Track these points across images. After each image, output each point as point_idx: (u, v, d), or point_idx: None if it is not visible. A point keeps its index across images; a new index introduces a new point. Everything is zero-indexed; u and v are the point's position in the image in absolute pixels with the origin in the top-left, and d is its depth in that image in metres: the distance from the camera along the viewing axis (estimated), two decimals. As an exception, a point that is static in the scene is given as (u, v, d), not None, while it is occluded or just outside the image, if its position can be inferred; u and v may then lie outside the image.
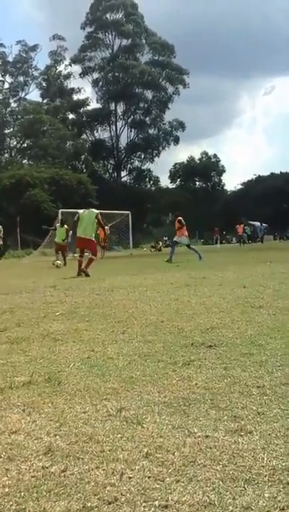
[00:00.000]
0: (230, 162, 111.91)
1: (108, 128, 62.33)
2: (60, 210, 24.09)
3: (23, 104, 57.77)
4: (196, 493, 1.65)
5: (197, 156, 69.78)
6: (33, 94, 74.88)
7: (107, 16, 59.96)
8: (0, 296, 7.59)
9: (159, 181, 66.13)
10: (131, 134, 62.69)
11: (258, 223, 45.45)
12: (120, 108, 61.90)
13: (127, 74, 59.05)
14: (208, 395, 2.60)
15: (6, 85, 59.48)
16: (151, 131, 63.03)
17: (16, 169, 45.95)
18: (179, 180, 69.15)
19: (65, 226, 17.37)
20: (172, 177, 68.87)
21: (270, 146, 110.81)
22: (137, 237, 38.83)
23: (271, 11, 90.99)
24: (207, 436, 2.08)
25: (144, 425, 2.23)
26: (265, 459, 1.86)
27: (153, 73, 60.04)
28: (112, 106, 61.88)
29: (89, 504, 1.62)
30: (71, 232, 15.45)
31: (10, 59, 59.07)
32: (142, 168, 63.88)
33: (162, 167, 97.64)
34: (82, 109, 61.49)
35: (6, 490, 1.73)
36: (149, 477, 1.77)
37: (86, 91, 62.80)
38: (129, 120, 62.45)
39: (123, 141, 62.58)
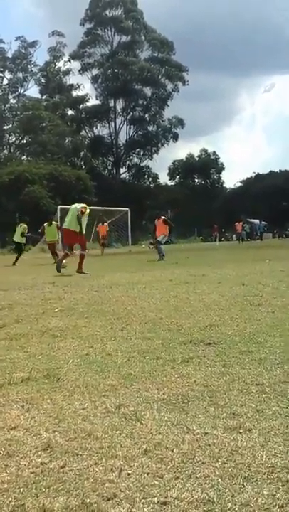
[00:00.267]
0: (230, 160, 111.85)
1: (107, 124, 62.32)
2: (59, 207, 24.05)
3: (22, 100, 57.74)
4: (194, 490, 1.65)
5: (196, 154, 69.81)
6: (32, 91, 74.71)
7: (107, 12, 59.83)
8: (-2, 292, 7.58)
9: (158, 178, 66.19)
10: (130, 131, 62.72)
11: (257, 221, 45.48)
12: (119, 105, 61.90)
13: (127, 70, 58.95)
14: (207, 392, 2.59)
15: (5, 81, 59.47)
16: (150, 128, 63.04)
17: (14, 165, 45.92)
18: (178, 177, 69.11)
19: (54, 223, 17.07)
20: (171, 174, 68.87)
21: (269, 144, 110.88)
22: (136, 234, 38.82)
23: (272, 8, 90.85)
24: (206, 434, 2.08)
25: (142, 422, 2.23)
26: (264, 456, 1.86)
27: (152, 70, 59.96)
28: (112, 102, 61.80)
29: (88, 500, 1.61)
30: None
31: (9, 55, 59.06)
32: (141, 165, 63.90)
33: (161, 164, 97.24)
34: (81, 106, 61.40)
35: (5, 486, 1.73)
36: (147, 474, 1.77)
37: (85, 87, 62.51)
38: (128, 117, 62.39)
39: (122, 138, 62.61)
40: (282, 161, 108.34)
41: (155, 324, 4.48)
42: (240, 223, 36.93)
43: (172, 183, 68.40)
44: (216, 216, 51.57)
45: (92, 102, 61.62)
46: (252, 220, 47.06)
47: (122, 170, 63.73)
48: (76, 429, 2.18)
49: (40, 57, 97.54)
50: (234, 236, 40.86)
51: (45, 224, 17.59)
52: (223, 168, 70.32)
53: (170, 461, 1.85)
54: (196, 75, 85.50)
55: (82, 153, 60.26)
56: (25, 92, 59.96)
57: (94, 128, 62.44)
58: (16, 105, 57.97)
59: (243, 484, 1.68)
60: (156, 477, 1.74)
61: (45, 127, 53.61)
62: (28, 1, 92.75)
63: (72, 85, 61.93)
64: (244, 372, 2.91)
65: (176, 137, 63.37)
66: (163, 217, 17.24)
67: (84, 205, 11.96)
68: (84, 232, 11.63)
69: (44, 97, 60.14)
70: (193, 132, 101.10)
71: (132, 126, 62.58)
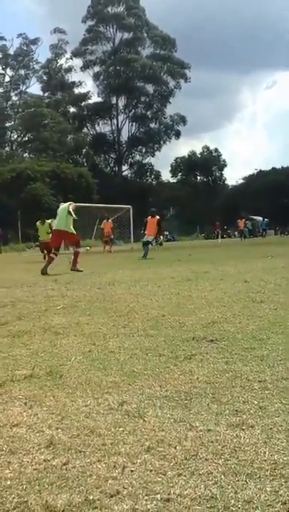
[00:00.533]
0: (232, 156, 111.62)
1: (109, 122, 62.36)
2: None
3: (24, 97, 57.76)
4: (198, 486, 1.65)
5: (198, 151, 69.71)
6: (34, 88, 74.69)
7: (109, 9, 59.78)
8: (1, 289, 7.59)
9: (160, 175, 66.22)
10: (132, 128, 62.73)
11: (260, 218, 45.41)
12: (121, 102, 61.92)
13: (128, 67, 58.91)
14: (209, 389, 2.59)
15: (7, 78, 59.47)
16: (152, 125, 63.06)
17: (16, 163, 45.99)
18: (180, 174, 69.01)
19: (47, 221, 16.74)
20: (173, 171, 68.77)
21: (271, 141, 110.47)
22: (138, 232, 38.80)
23: (273, 4, 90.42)
24: (209, 430, 2.08)
25: (145, 419, 2.23)
26: (267, 453, 1.86)
27: (154, 67, 59.92)
28: (114, 100, 61.81)
29: (91, 497, 1.62)
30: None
31: (11, 52, 58.98)
32: (143, 162, 63.99)
33: (163, 161, 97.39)
34: (83, 103, 61.43)
35: (8, 483, 1.73)
36: (150, 471, 1.77)
37: (87, 84, 63.01)
38: (130, 114, 62.39)
39: (124, 135, 62.66)
40: (285, 157, 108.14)
41: (158, 321, 4.48)
42: (243, 220, 36.85)
43: (174, 180, 68.43)
44: (218, 213, 51.52)
45: (94, 99, 61.77)
46: (255, 217, 46.97)
47: (124, 167, 63.83)
48: (79, 426, 2.18)
49: (42, 54, 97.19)
50: (236, 233, 40.76)
51: (37, 222, 17.30)
52: (225, 165, 70.32)
53: (173, 457, 1.85)
54: (197, 72, 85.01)
55: (84, 150, 60.32)
56: (27, 90, 60.11)
57: (96, 125, 62.55)
58: (18, 102, 58.01)
59: (246, 481, 1.68)
60: (159, 474, 1.74)
61: (47, 124, 53.60)
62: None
63: (74, 82, 61.98)
64: (247, 369, 2.91)
65: (178, 134, 63.44)
66: (158, 217, 16.62)
67: (69, 203, 11.90)
68: (73, 230, 11.47)
69: (46, 95, 60.17)
70: (195, 129, 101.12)
71: (134, 124, 62.64)
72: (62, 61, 61.81)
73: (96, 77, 61.41)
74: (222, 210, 54.91)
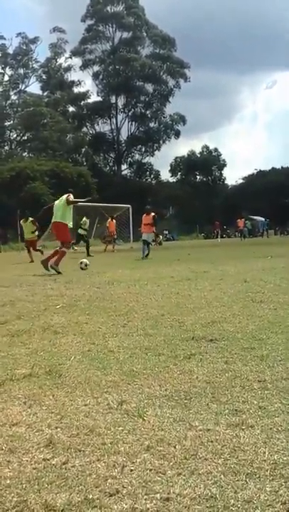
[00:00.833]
0: (232, 156, 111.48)
1: (109, 121, 62.24)
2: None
3: (23, 96, 57.63)
4: (197, 486, 1.65)
5: (198, 150, 69.51)
6: (33, 87, 74.40)
7: (108, 8, 59.67)
8: (0, 288, 7.59)
9: (159, 175, 66.09)
10: (131, 127, 62.63)
11: (259, 218, 45.37)
12: (121, 101, 61.79)
13: (128, 67, 58.83)
14: (209, 388, 2.59)
15: (6, 78, 59.41)
16: (151, 124, 62.95)
17: (16, 162, 45.91)
18: (179, 174, 68.89)
19: (30, 219, 16.57)
20: (173, 171, 68.64)
21: (271, 141, 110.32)
22: (138, 231, 38.81)
23: (273, 4, 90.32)
24: (208, 430, 2.08)
25: (145, 418, 2.23)
26: (267, 453, 1.86)
27: (154, 66, 59.84)
28: (113, 99, 61.71)
29: (90, 496, 1.62)
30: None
31: (10, 51, 58.92)
32: (143, 161, 63.87)
33: (163, 161, 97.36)
34: (82, 102, 61.30)
35: (8, 482, 1.73)
36: (150, 470, 1.77)
37: (86, 84, 62.73)
38: (129, 113, 62.30)
39: (124, 135, 62.53)
40: (284, 157, 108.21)
41: (157, 321, 4.48)
42: (242, 220, 36.83)
43: (174, 180, 68.28)
44: (217, 213, 51.48)
45: (94, 98, 61.58)
46: (254, 217, 46.95)
47: (124, 167, 63.73)
48: (78, 426, 2.18)
49: (41, 53, 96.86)
50: (236, 233, 40.74)
51: (21, 221, 17.01)
52: (225, 165, 70.13)
53: (172, 457, 1.85)
54: (197, 72, 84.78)
55: (83, 149, 60.19)
56: (27, 89, 59.94)
57: (95, 124, 62.39)
58: (17, 101, 57.88)
59: (245, 481, 1.68)
60: (158, 473, 1.74)
61: (46, 124, 53.52)
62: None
63: (73, 82, 61.85)
64: (246, 368, 2.91)
65: (177, 134, 63.31)
66: (153, 214, 16.29)
67: (67, 195, 11.15)
68: (69, 224, 10.94)
69: (45, 94, 60.07)
70: (194, 129, 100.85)
71: (133, 123, 62.53)
72: (61, 60, 61.77)
73: (95, 76, 61.32)
74: (221, 210, 54.86)
